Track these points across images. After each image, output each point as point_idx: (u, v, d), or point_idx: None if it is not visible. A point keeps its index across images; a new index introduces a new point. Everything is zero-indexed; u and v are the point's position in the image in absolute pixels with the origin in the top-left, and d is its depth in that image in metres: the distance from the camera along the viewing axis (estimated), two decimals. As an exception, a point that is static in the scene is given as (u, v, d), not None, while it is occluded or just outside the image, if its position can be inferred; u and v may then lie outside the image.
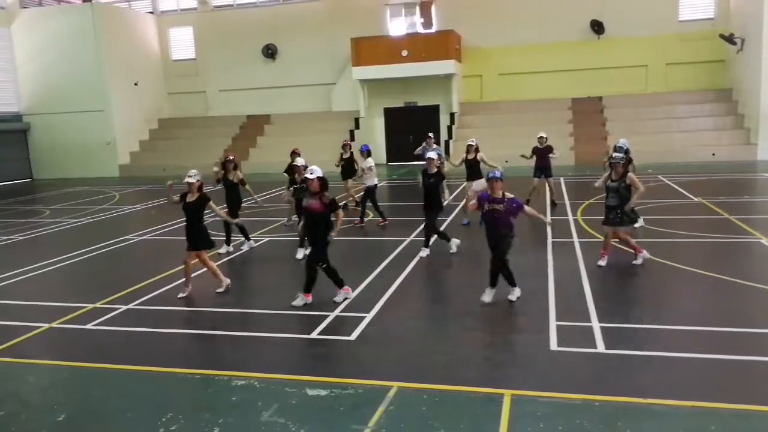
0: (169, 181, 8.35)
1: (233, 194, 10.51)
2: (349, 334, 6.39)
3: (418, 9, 25.42)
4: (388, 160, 25.77)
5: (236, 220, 9.69)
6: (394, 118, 25.64)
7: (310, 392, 5.14)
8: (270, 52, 27.34)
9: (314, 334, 6.48)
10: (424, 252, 9.57)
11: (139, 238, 12.30)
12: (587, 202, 13.49)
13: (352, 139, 23.35)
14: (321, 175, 7.22)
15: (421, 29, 25.37)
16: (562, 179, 17.56)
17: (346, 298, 7.48)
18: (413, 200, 10.03)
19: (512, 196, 7.09)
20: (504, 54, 24.81)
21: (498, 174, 7.06)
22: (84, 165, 26.53)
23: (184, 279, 8.12)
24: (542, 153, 13.23)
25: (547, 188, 13.64)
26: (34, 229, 13.93)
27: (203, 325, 7.23)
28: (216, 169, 11.01)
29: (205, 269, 8.30)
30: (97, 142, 26.47)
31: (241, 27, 27.49)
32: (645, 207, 12.68)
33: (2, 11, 26.26)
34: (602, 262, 8.55)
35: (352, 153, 13.94)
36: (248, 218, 13.51)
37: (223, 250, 10.47)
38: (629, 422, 4.44)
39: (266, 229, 12.49)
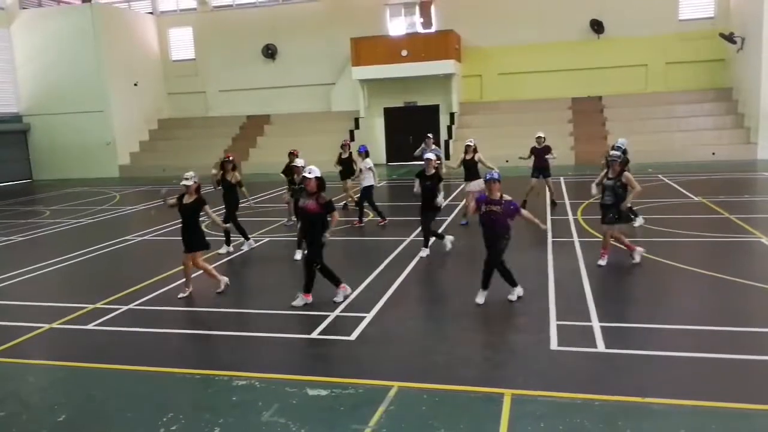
0: (162, 196, 8.36)
1: (231, 195, 10.50)
2: (349, 334, 6.39)
3: (417, 9, 25.42)
4: (388, 160, 25.76)
5: (225, 225, 9.51)
6: (393, 118, 25.64)
7: (311, 392, 5.14)
8: (270, 52, 27.34)
9: (314, 334, 6.48)
10: (424, 252, 9.57)
11: (140, 239, 12.31)
12: (587, 201, 13.49)
13: (352, 139, 23.36)
14: (319, 176, 7.22)
15: (420, 29, 25.38)
16: (562, 179, 17.57)
17: (345, 296, 7.48)
18: (413, 200, 10.02)
19: (510, 198, 7.08)
20: (504, 54, 24.81)
21: (495, 175, 7.07)
22: (84, 165, 26.54)
23: (184, 279, 8.12)
24: (540, 153, 13.22)
25: (547, 188, 13.62)
26: (35, 230, 13.94)
27: (203, 325, 7.23)
28: (215, 171, 10.96)
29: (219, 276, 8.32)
30: (97, 143, 26.48)
31: (241, 27, 27.49)
32: (645, 206, 12.68)
33: (2, 12, 26.26)
34: (602, 262, 8.55)
35: (350, 153, 13.93)
36: (248, 218, 13.51)
37: (223, 250, 10.47)
38: (629, 422, 4.45)
39: (266, 229, 12.50)
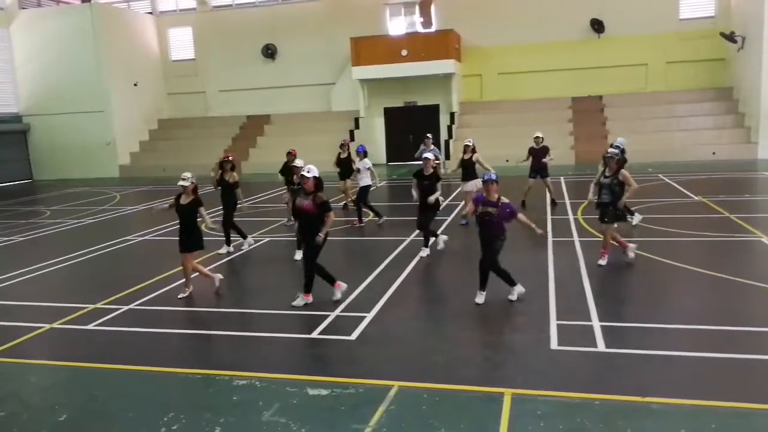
0: (153, 213, 8.39)
1: (229, 195, 10.49)
2: (349, 334, 6.40)
3: (417, 8, 25.40)
4: (388, 160, 25.76)
5: (214, 225, 9.30)
6: (393, 117, 25.63)
7: (311, 392, 5.14)
8: (269, 52, 27.34)
9: (315, 334, 6.49)
10: (424, 252, 9.57)
11: (140, 239, 12.31)
12: (587, 201, 13.49)
13: (352, 139, 23.37)
14: (317, 175, 7.22)
15: (420, 29, 25.36)
16: (562, 178, 17.57)
17: (343, 293, 7.49)
18: (413, 200, 10.02)
19: (507, 201, 7.06)
20: (504, 53, 24.81)
21: (493, 176, 7.06)
22: (84, 166, 26.54)
23: (184, 280, 8.13)
24: (538, 153, 13.22)
25: (546, 189, 13.62)
26: (35, 230, 13.94)
27: (204, 325, 7.24)
28: (213, 173, 10.93)
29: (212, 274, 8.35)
30: (97, 143, 26.48)
31: (241, 27, 27.49)
32: (646, 206, 12.69)
33: (1, 12, 26.26)
34: (602, 262, 8.55)
35: (349, 153, 13.90)
36: (248, 219, 13.53)
37: (223, 250, 10.48)
38: (629, 421, 4.45)
39: (266, 229, 12.50)
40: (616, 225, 8.68)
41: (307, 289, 7.41)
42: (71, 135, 26.49)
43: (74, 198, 19.66)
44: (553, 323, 6.40)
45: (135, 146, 27.60)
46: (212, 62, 28.27)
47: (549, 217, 12.26)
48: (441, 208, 9.78)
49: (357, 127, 25.30)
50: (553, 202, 13.47)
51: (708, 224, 10.98)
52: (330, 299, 7.44)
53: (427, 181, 9.38)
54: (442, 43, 23.83)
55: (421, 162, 9.67)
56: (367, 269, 8.82)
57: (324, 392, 5.12)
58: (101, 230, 13.62)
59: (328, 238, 7.32)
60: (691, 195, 14.02)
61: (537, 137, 13.30)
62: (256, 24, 27.31)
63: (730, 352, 5.54)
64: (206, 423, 4.71)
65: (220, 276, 8.32)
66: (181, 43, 28.76)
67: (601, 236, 8.96)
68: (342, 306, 7.28)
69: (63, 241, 12.69)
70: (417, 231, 10.08)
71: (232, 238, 10.64)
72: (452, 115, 24.84)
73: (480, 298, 7.14)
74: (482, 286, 7.18)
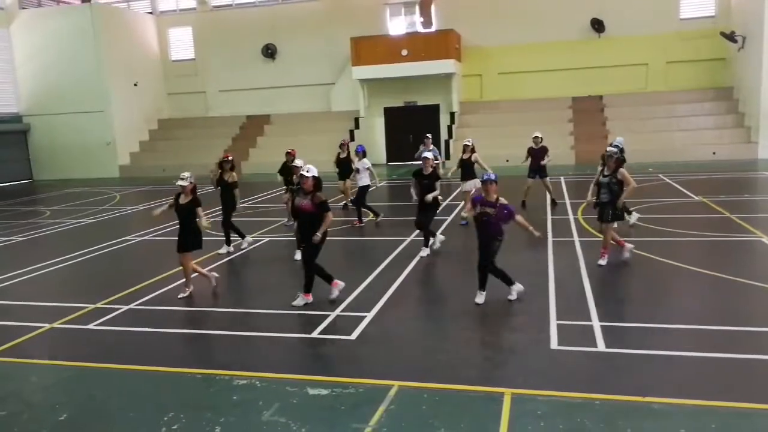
0: (153, 216, 8.39)
1: (228, 195, 10.48)
2: (349, 334, 6.40)
3: (417, 8, 25.39)
4: (388, 160, 25.77)
5: (209, 226, 9.18)
6: (394, 117, 25.64)
7: (311, 391, 5.14)
8: (269, 52, 27.34)
9: (315, 334, 6.49)
10: (424, 252, 9.57)
11: (140, 239, 12.31)
12: (587, 201, 13.48)
13: (352, 139, 23.36)
14: (316, 175, 7.22)
15: (420, 28, 25.36)
16: (562, 178, 17.57)
17: (338, 293, 7.51)
18: (412, 200, 10.02)
19: (506, 202, 7.04)
20: (504, 53, 24.80)
21: (492, 176, 7.05)
22: (84, 166, 26.54)
23: (184, 279, 8.13)
24: (537, 153, 13.22)
25: (546, 189, 13.63)
26: (35, 230, 13.95)
27: (204, 324, 7.23)
28: (213, 171, 10.92)
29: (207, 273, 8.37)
30: (97, 143, 26.48)
31: (241, 27, 27.49)
32: (646, 206, 12.70)
33: (1, 12, 26.26)
34: (603, 262, 8.55)
35: (349, 153, 13.89)
36: (249, 218, 13.54)
37: (223, 250, 10.48)
38: (630, 421, 4.45)
39: (266, 229, 12.50)
40: (615, 225, 8.68)
41: (307, 289, 7.42)
42: (71, 135, 26.49)
43: (74, 198, 19.66)
44: (553, 323, 6.40)
45: (135, 146, 27.61)
46: (212, 62, 28.27)
47: (549, 217, 12.26)
48: (440, 207, 9.77)
49: (357, 127, 25.30)
50: (554, 202, 13.47)
51: (708, 224, 10.98)
52: (332, 299, 7.44)
53: (427, 180, 9.37)
54: (443, 43, 23.83)
55: (420, 162, 9.66)
56: (367, 269, 8.82)
57: (324, 392, 5.12)
58: (101, 230, 13.62)
59: (327, 238, 7.33)
60: (692, 195, 14.01)
61: (536, 137, 13.30)
62: (256, 24, 27.31)
63: (731, 352, 5.54)
64: (206, 422, 4.71)
65: (215, 275, 8.36)
66: (181, 43, 28.76)
67: (601, 236, 8.95)
68: (342, 306, 7.28)
69: (63, 241, 12.69)
70: (417, 231, 10.08)
71: (231, 238, 10.64)
72: (452, 114, 24.84)
73: (480, 298, 7.14)
74: (482, 286, 7.18)
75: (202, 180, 12.34)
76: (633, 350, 5.70)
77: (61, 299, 8.21)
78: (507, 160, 19.13)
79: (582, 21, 24.01)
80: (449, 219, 12.45)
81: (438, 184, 9.45)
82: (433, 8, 25.37)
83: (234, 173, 10.57)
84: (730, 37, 21.76)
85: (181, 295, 8.00)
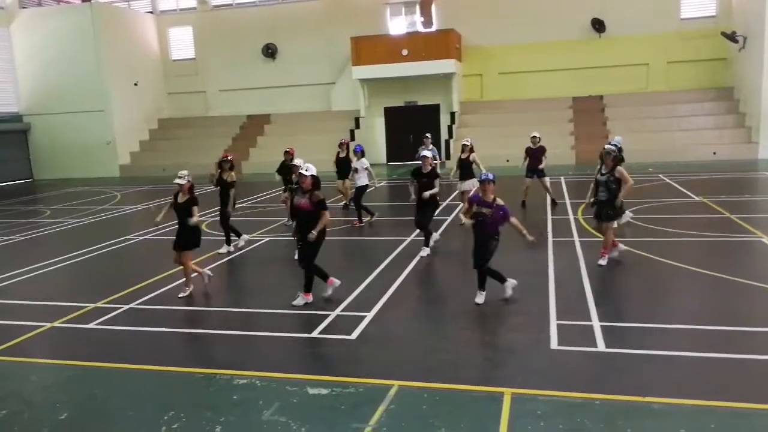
0: (152, 213, 8.39)
1: (227, 194, 10.47)
2: (349, 334, 6.40)
3: (418, 8, 25.38)
4: (389, 159, 25.77)
5: (196, 223, 9.02)
6: (394, 117, 25.64)
7: (311, 391, 5.15)
8: (270, 51, 27.34)
9: (315, 333, 6.49)
10: (425, 252, 9.57)
11: (140, 238, 12.31)
12: (587, 201, 13.48)
13: (353, 138, 23.36)
14: (315, 174, 7.22)
15: (421, 28, 25.35)
16: (562, 178, 17.57)
17: (332, 291, 7.52)
18: (410, 199, 10.01)
19: (503, 203, 7.02)
20: (504, 53, 24.79)
21: (491, 176, 7.04)
22: (84, 165, 26.55)
23: (184, 279, 8.14)
24: (535, 153, 13.23)
25: (544, 188, 13.63)
26: (35, 230, 13.95)
27: (204, 324, 7.24)
28: (211, 176, 10.90)
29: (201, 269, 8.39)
30: (97, 142, 26.49)
31: (241, 26, 27.49)
32: (646, 206, 12.70)
33: (1, 11, 26.26)
34: (603, 262, 8.55)
35: (348, 152, 13.88)
36: (249, 218, 13.55)
37: (223, 250, 10.48)
38: (630, 421, 4.45)
39: (266, 229, 12.50)
40: (616, 225, 8.67)
41: (308, 289, 7.42)
42: (71, 134, 26.49)
43: (74, 197, 19.66)
44: (553, 323, 6.40)
45: (135, 146, 27.61)
46: (212, 62, 28.27)
47: (549, 217, 12.26)
48: (440, 207, 9.76)
49: (357, 126, 25.30)
50: (554, 202, 13.46)
51: (708, 224, 10.97)
52: (332, 299, 7.45)
53: (426, 178, 9.36)
54: (443, 43, 23.82)
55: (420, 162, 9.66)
56: (367, 269, 8.82)
57: (324, 391, 5.12)
58: (101, 230, 13.62)
59: (326, 237, 7.33)
60: (692, 195, 14.01)
61: (534, 137, 13.30)
62: (256, 23, 27.31)
63: (731, 352, 5.54)
64: (206, 422, 4.72)
65: (209, 273, 8.40)
66: (182, 43, 28.76)
67: (600, 235, 8.94)
68: (342, 306, 7.28)
69: (63, 240, 12.69)
70: (417, 231, 10.08)
71: (231, 238, 10.64)
72: (453, 114, 24.83)
73: (480, 298, 7.14)
74: (481, 286, 7.18)
75: (202, 180, 12.35)
76: (633, 350, 5.71)
77: (62, 299, 8.21)
78: (507, 160, 19.14)
79: (582, 21, 24.00)
80: (449, 219, 12.45)
81: (437, 182, 9.45)
82: (433, 8, 25.37)
83: (233, 173, 10.55)
84: (731, 37, 21.75)
85: (181, 295, 8.00)
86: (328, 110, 26.86)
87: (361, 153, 12.78)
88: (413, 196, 9.64)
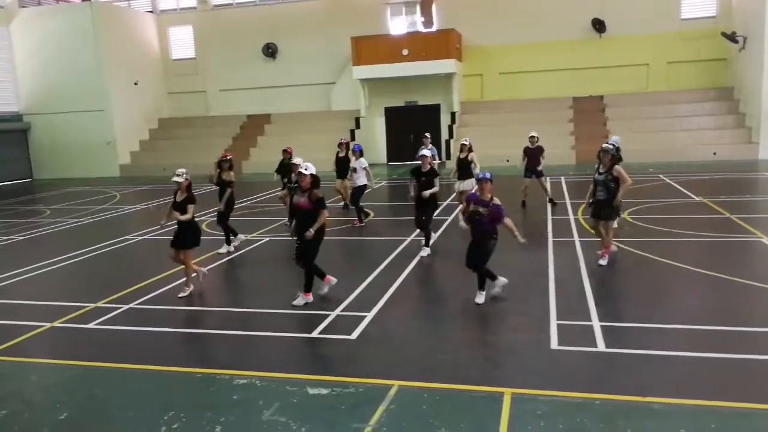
0: (152, 213, 8.36)
1: (226, 193, 10.45)
2: (349, 333, 6.40)
3: (418, 8, 25.37)
4: (389, 159, 25.76)
5: (184, 217, 8.85)
6: (394, 117, 25.63)
7: (311, 391, 5.14)
8: (270, 51, 27.33)
9: (315, 333, 6.49)
10: (425, 251, 9.56)
11: (140, 238, 12.31)
12: (586, 202, 13.47)
13: (353, 138, 23.35)
14: (314, 173, 7.23)
15: (421, 28, 25.34)
16: (562, 178, 17.57)
17: (328, 289, 7.54)
18: (409, 199, 10.01)
19: (499, 203, 7.01)
20: (505, 53, 24.79)
21: (488, 176, 7.04)
22: (84, 165, 26.53)
23: (184, 279, 8.14)
24: (533, 153, 13.23)
25: (543, 188, 13.62)
26: (35, 229, 13.95)
27: (204, 324, 7.24)
28: (211, 176, 10.89)
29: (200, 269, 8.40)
30: (98, 142, 26.48)
31: (241, 26, 27.47)
32: (646, 206, 12.70)
33: (1, 10, 26.25)
34: (603, 262, 8.55)
35: (347, 152, 13.87)
36: (249, 218, 13.54)
37: (223, 249, 10.48)
38: (630, 421, 4.45)
39: (266, 229, 12.50)
40: (616, 224, 8.66)
41: (308, 289, 7.42)
42: (72, 134, 26.48)
43: (74, 197, 19.66)
44: (553, 323, 6.40)
45: (135, 145, 27.60)
46: (213, 61, 28.25)
47: (549, 217, 12.26)
48: (439, 206, 9.76)
49: (357, 126, 25.29)
50: (552, 202, 13.46)
51: (708, 224, 10.97)
52: (331, 299, 7.44)
53: (425, 177, 9.36)
54: (443, 43, 23.81)
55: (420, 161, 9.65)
56: (367, 269, 8.82)
57: (324, 391, 5.12)
58: (101, 229, 13.61)
59: (326, 237, 7.33)
60: (692, 195, 14.01)
61: (532, 137, 13.31)
62: (256, 23, 27.29)
63: (731, 352, 5.54)
64: (206, 422, 4.72)
65: (204, 271, 8.42)
66: (182, 42, 28.74)
67: (597, 235, 8.94)
68: (342, 306, 7.28)
69: (63, 240, 12.69)
70: (417, 231, 10.07)
71: (230, 237, 10.63)
72: (453, 114, 24.82)
73: (480, 298, 7.14)
74: (481, 286, 7.18)
75: (202, 180, 12.35)
76: (633, 350, 5.70)
77: (62, 298, 8.21)
78: (507, 160, 19.15)
79: (583, 21, 23.99)
80: (449, 219, 12.45)
81: (437, 180, 9.45)
82: (433, 8, 25.36)
83: (232, 173, 10.55)
84: (731, 37, 21.74)
85: (181, 295, 8.00)
86: (328, 110, 26.85)
87: (359, 153, 12.79)
88: (412, 194, 9.64)
